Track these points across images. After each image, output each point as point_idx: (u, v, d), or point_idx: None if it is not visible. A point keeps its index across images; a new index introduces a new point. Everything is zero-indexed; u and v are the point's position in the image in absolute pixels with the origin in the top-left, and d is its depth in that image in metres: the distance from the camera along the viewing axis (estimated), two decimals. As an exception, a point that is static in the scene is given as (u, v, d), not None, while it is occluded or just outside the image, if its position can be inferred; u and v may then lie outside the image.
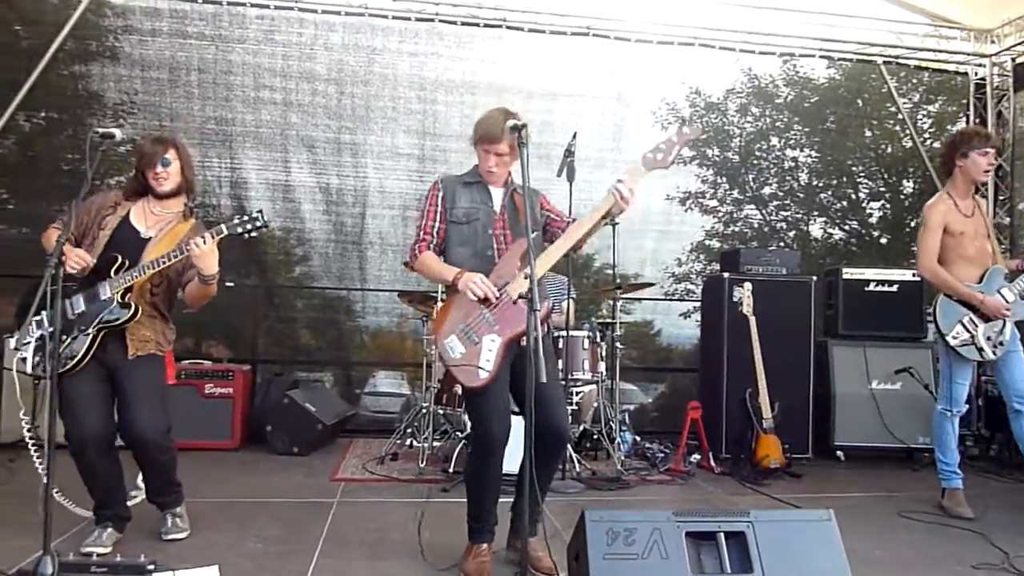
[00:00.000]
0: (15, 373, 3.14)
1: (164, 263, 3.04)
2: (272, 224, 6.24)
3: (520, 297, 2.79)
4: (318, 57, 6.32)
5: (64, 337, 3.00)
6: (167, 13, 6.07)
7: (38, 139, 6.01)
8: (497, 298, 2.85)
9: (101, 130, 2.91)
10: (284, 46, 6.27)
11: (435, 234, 3.07)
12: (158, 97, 6.06)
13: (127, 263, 3.09)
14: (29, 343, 3.03)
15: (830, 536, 2.42)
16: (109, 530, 3.21)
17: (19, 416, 3.13)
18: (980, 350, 3.92)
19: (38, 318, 3.00)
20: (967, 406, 4.14)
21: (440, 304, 3.06)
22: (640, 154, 6.75)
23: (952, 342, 3.94)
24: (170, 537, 3.25)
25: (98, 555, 2.97)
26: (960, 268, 4.00)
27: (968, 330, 3.94)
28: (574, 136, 4.63)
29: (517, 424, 2.85)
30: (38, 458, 3.12)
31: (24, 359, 3.03)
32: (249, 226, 3.06)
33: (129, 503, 3.34)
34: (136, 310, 3.09)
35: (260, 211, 3.09)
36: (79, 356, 3.03)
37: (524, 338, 2.82)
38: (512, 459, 2.96)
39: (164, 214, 3.27)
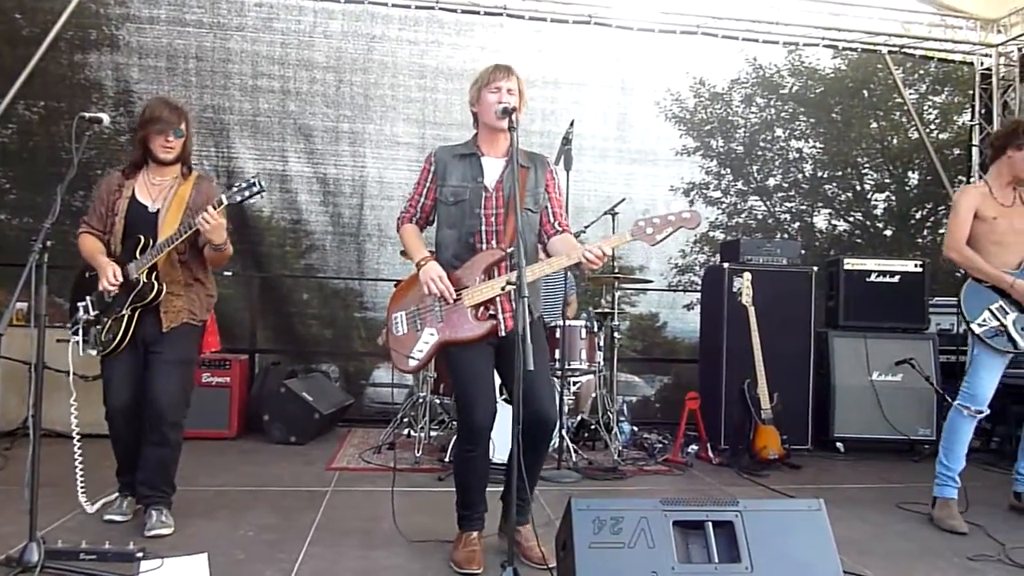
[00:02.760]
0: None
1: (176, 240, 3.14)
2: (267, 213, 6.26)
3: (476, 306, 2.82)
4: (317, 45, 6.28)
5: (104, 319, 3.24)
6: (165, 1, 6.05)
7: (38, 128, 5.99)
8: (453, 300, 2.84)
9: (88, 115, 2.92)
10: (283, 34, 6.23)
11: (419, 209, 3.06)
12: (156, 85, 6.02)
13: (150, 242, 3.21)
14: (78, 328, 3.28)
15: (820, 526, 2.39)
16: (129, 499, 3.39)
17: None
18: (1012, 340, 3.61)
19: (82, 304, 3.28)
20: (988, 410, 3.70)
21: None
22: (644, 144, 6.77)
23: (978, 330, 3.65)
24: (153, 533, 3.15)
25: (116, 522, 3.29)
26: (992, 253, 3.70)
27: (997, 317, 3.64)
28: (571, 124, 4.60)
29: (506, 414, 2.84)
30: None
31: (78, 343, 3.27)
32: (247, 192, 3.09)
33: (90, 509, 3.39)
34: (161, 287, 3.22)
35: (257, 176, 3.13)
36: (120, 335, 3.20)
37: (509, 327, 2.83)
38: (502, 449, 2.96)
39: (164, 182, 3.33)
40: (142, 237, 3.21)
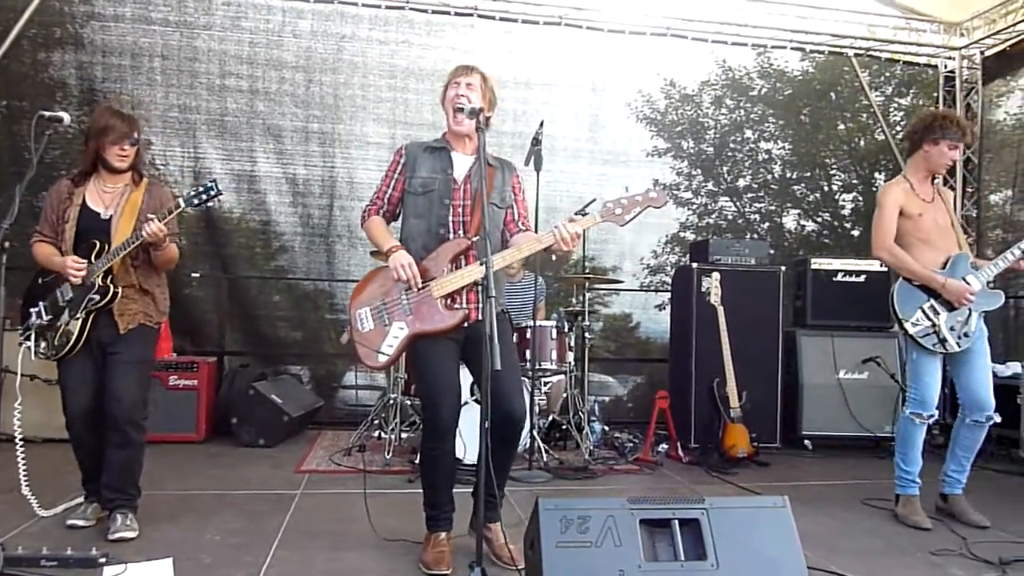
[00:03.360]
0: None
1: (129, 246, 3.14)
2: (236, 215, 6.18)
3: (444, 297, 2.82)
4: (286, 44, 6.22)
5: (58, 324, 3.23)
6: (131, -1, 5.97)
7: (0, 127, 5.87)
8: (419, 289, 2.83)
9: (48, 114, 2.88)
10: (251, 33, 6.16)
11: (386, 200, 3.06)
12: (120, 84, 5.93)
13: (106, 247, 3.21)
14: (30, 333, 3.29)
15: (784, 523, 2.41)
16: (94, 505, 3.34)
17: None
18: (943, 341, 3.59)
19: (35, 309, 3.29)
20: (937, 411, 3.71)
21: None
22: (616, 145, 6.79)
23: (912, 329, 3.61)
24: (117, 536, 3.11)
25: (79, 528, 3.24)
26: (919, 252, 3.68)
27: (929, 317, 3.61)
28: (541, 124, 4.60)
29: (475, 413, 2.84)
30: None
31: (29, 347, 3.28)
32: (204, 196, 3.13)
33: (45, 513, 3.36)
34: (116, 291, 3.22)
35: (214, 180, 3.17)
36: (73, 339, 3.19)
37: (477, 324, 2.83)
38: (472, 450, 2.95)
39: (115, 189, 3.34)
40: (97, 242, 3.22)
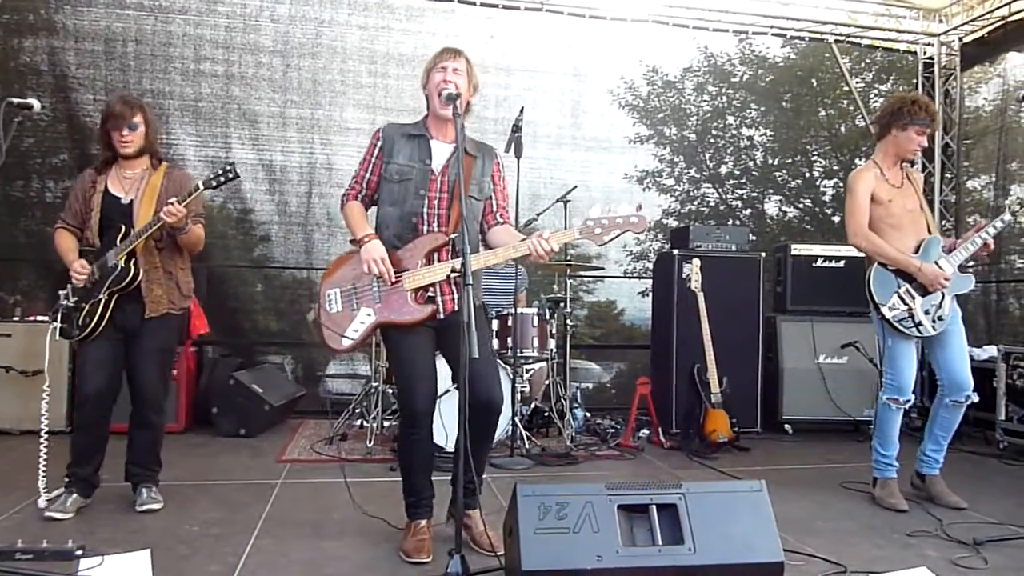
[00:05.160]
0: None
1: (149, 229, 3.26)
2: (214, 203, 6.11)
3: (415, 290, 2.82)
4: (263, 29, 6.14)
5: (83, 305, 3.34)
6: (105, -17, 5.86)
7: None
8: (392, 282, 2.82)
9: (17, 100, 2.82)
10: (227, 17, 6.07)
11: (365, 185, 3.03)
12: (92, 70, 5.83)
13: (130, 230, 3.32)
14: (58, 315, 3.39)
15: (761, 506, 2.43)
16: (74, 496, 3.35)
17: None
18: (919, 324, 3.61)
19: (63, 291, 3.40)
20: (914, 396, 3.75)
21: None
22: (598, 131, 6.78)
23: (888, 314, 3.62)
24: (145, 508, 3.35)
25: (58, 520, 3.22)
26: (891, 237, 3.70)
27: (905, 302, 3.63)
28: (521, 111, 4.58)
29: (453, 401, 2.84)
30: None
31: (56, 329, 3.39)
32: (223, 178, 3.25)
33: (41, 501, 3.33)
34: (138, 272, 3.33)
35: (232, 163, 3.29)
36: (95, 321, 3.30)
37: (452, 314, 2.82)
38: (452, 437, 2.95)
39: (134, 175, 3.46)
40: (123, 226, 3.34)
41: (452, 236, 2.85)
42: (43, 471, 3.31)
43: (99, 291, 3.30)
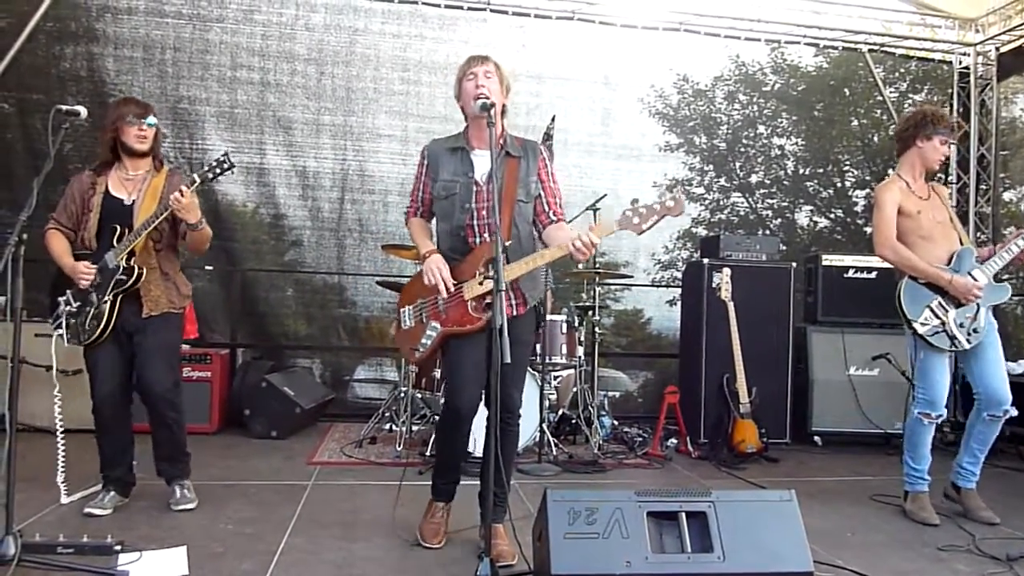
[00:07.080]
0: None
1: (153, 222, 3.24)
2: (248, 208, 6.21)
3: (475, 299, 2.87)
4: (298, 37, 6.24)
5: (87, 309, 3.31)
6: (145, -9, 6.01)
7: (14, 121, 5.90)
8: (451, 293, 2.87)
9: (65, 107, 2.91)
10: (264, 26, 6.18)
11: (420, 202, 3.10)
12: (131, 76, 5.96)
13: (126, 231, 3.30)
14: (60, 321, 3.37)
15: (791, 516, 2.43)
16: (112, 494, 3.41)
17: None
18: (953, 338, 3.53)
19: (63, 297, 3.37)
20: (946, 410, 3.65)
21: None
22: (628, 139, 6.79)
23: (920, 329, 3.55)
24: (180, 508, 3.41)
25: (96, 516, 3.28)
26: (923, 249, 3.64)
27: (938, 316, 3.56)
28: (552, 119, 4.62)
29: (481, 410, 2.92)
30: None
31: (61, 336, 3.38)
32: (219, 170, 3.21)
33: (65, 499, 3.41)
34: (140, 272, 3.31)
35: (226, 153, 3.23)
36: (103, 323, 3.28)
37: (510, 320, 2.86)
38: (480, 443, 3.01)
39: (136, 176, 3.43)
40: (118, 227, 3.31)
41: (508, 243, 2.86)
42: (61, 468, 3.38)
43: (104, 293, 3.27)
